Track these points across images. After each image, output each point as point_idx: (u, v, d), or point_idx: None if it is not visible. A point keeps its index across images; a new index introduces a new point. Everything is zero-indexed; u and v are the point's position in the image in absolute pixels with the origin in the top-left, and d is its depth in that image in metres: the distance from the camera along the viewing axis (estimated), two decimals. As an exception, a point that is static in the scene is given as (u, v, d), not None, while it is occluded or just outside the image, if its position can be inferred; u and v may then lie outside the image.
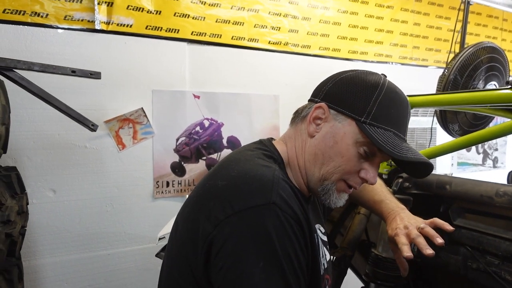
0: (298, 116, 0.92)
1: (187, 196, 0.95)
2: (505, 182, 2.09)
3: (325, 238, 1.03)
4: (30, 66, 1.54)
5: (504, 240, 1.12)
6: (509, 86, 1.35)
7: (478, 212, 1.25)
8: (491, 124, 2.00)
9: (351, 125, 0.83)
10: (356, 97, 0.83)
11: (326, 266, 0.97)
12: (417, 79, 3.53)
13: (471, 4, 2.47)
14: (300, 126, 0.91)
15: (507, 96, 1.35)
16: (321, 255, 0.94)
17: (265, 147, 0.92)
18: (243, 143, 2.72)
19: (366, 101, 0.82)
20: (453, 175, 3.71)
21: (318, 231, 0.98)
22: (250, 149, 0.91)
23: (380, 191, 1.14)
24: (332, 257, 1.37)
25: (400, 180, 1.52)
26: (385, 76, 0.90)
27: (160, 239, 1.51)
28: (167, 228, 1.55)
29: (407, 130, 0.89)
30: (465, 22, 2.46)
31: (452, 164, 3.84)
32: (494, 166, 4.16)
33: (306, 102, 0.95)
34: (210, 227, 0.74)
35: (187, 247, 0.80)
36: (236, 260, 0.71)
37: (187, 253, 0.79)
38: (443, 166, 3.75)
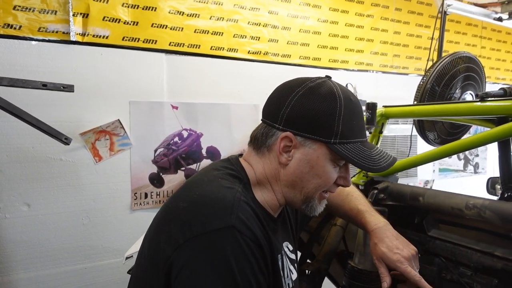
0: (263, 145, 0.89)
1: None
2: (485, 188, 2.12)
3: (293, 256, 1.02)
4: (-3, 81, 1.52)
5: (476, 252, 1.14)
6: (479, 99, 1.38)
7: (451, 223, 1.27)
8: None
9: (322, 148, 0.84)
10: (320, 121, 0.83)
11: (291, 285, 0.97)
12: (398, 87, 3.57)
13: (448, 14, 2.50)
14: (268, 155, 0.89)
15: (477, 108, 1.39)
16: (285, 275, 0.94)
17: (232, 166, 0.91)
18: (223, 153, 2.71)
19: (330, 122, 0.83)
20: (434, 181, 3.76)
21: (286, 249, 0.98)
22: (216, 168, 0.92)
23: (364, 202, 1.15)
24: (307, 270, 1.38)
25: (376, 191, 1.53)
26: (330, 78, 0.89)
27: (127, 258, 1.49)
28: (135, 247, 1.54)
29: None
30: (442, 33, 2.49)
31: (434, 171, 3.88)
32: (475, 172, 4.21)
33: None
34: (170, 250, 0.74)
35: (149, 269, 0.80)
36: (193, 285, 0.71)
37: (149, 275, 0.80)
38: (425, 173, 3.78)
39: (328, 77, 0.90)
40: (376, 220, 1.07)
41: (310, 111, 0.83)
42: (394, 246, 1.00)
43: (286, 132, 0.84)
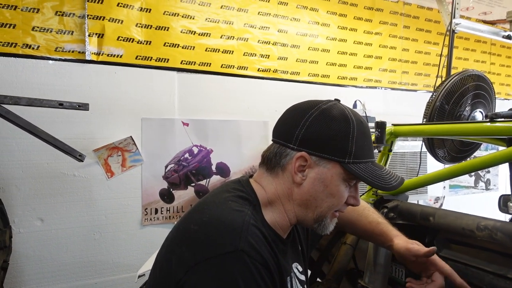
0: (277, 165, 0.91)
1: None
2: (497, 205, 2.11)
3: (302, 277, 1.03)
4: (16, 101, 1.57)
5: (488, 273, 1.13)
6: (488, 120, 1.39)
7: (462, 243, 1.27)
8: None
9: (336, 167, 0.86)
10: (335, 141, 0.85)
11: None
12: (407, 103, 3.58)
13: (456, 33, 2.52)
14: (282, 175, 0.91)
15: (486, 128, 1.39)
16: None
17: (242, 187, 0.93)
18: (232, 169, 2.74)
19: (345, 143, 0.85)
20: (444, 198, 3.71)
21: (295, 270, 0.99)
22: (227, 190, 0.93)
23: (382, 216, 1.19)
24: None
25: (385, 210, 1.53)
26: (339, 101, 0.93)
27: (139, 276, 1.51)
28: (147, 266, 1.55)
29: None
30: (450, 51, 2.50)
31: (444, 187, 3.84)
32: (487, 189, 4.15)
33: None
34: (181, 273, 0.76)
35: None
36: None
37: None
38: (435, 189, 3.74)
39: (338, 100, 0.93)
40: (397, 232, 1.11)
41: (325, 131, 0.86)
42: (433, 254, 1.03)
43: (302, 152, 0.87)
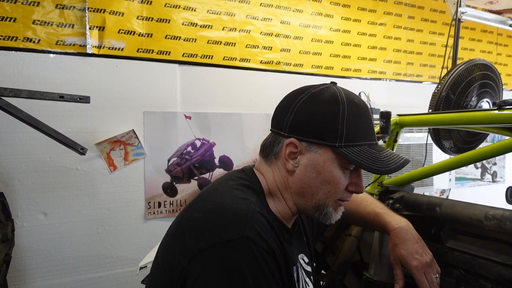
0: (271, 153, 0.90)
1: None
2: (504, 197, 2.07)
3: (308, 268, 1.01)
4: (16, 93, 1.56)
5: (496, 264, 1.11)
6: (496, 108, 1.35)
7: (469, 234, 1.24)
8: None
9: (327, 152, 0.83)
10: (323, 124, 0.82)
11: None
12: (412, 95, 3.54)
13: (462, 22, 2.47)
14: (276, 163, 0.90)
15: (494, 116, 1.36)
16: (301, 287, 0.93)
17: (246, 176, 0.92)
18: (235, 162, 2.73)
19: (334, 125, 0.82)
20: (450, 190, 3.68)
21: (301, 261, 0.97)
22: (231, 178, 0.92)
23: (380, 205, 1.14)
24: (322, 282, 1.36)
25: (391, 201, 1.51)
26: (335, 84, 0.89)
27: (141, 268, 1.50)
28: (149, 257, 1.54)
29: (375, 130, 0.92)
30: (456, 40, 2.46)
31: (450, 180, 3.80)
32: (493, 181, 4.11)
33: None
34: (185, 261, 0.74)
35: (164, 279, 0.80)
36: None
37: (164, 285, 0.80)
38: (441, 182, 3.72)
39: (334, 83, 0.89)
40: (397, 220, 1.06)
41: (313, 115, 0.83)
42: (414, 250, 0.98)
43: (291, 138, 0.85)
